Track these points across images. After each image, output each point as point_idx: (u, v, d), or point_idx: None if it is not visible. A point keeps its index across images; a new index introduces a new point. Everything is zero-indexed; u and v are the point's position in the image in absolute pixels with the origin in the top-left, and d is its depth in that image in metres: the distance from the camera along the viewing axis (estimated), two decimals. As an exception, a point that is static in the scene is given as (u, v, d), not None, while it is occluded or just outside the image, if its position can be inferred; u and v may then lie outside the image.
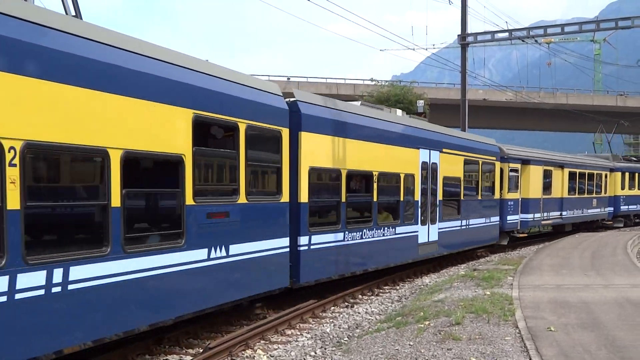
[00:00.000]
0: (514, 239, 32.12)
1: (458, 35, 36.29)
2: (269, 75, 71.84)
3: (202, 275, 11.63)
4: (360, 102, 20.43)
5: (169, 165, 10.94)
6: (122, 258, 9.71)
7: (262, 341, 12.91)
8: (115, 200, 9.55)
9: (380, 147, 18.62)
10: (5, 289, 7.88)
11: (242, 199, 12.79)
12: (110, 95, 9.53)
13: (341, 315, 15.72)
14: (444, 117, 69.82)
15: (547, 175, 33.89)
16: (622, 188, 44.20)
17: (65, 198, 9.32)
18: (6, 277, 7.88)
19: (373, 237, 18.28)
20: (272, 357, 11.80)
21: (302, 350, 12.20)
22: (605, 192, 42.63)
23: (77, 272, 8.94)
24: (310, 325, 14.74)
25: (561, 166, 35.87)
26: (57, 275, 8.63)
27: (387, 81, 60.72)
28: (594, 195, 40.62)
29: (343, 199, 16.68)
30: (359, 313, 15.97)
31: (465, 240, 25.25)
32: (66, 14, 10.00)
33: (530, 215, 31.73)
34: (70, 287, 8.84)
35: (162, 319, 10.76)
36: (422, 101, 38.70)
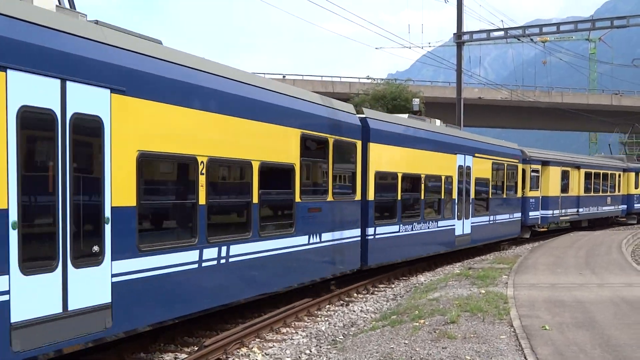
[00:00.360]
0: (535, 233, 35.34)
1: (454, 34, 36.29)
2: (264, 73, 71.80)
3: (304, 256, 15.22)
4: (407, 115, 23.52)
5: (286, 172, 14.48)
6: (258, 240, 13.27)
7: (257, 339, 12.91)
8: (255, 198, 13.11)
9: (426, 153, 22.00)
10: (197, 258, 11.52)
11: (330, 197, 16.32)
12: (254, 122, 13.10)
13: (336, 314, 15.72)
14: (439, 116, 69.81)
15: (565, 175, 37.05)
16: (636, 187, 47.14)
17: (228, 196, 12.89)
18: (197, 251, 11.51)
19: (421, 229, 21.62)
20: (267, 355, 11.79)
21: (297, 348, 12.20)
22: (619, 191, 45.52)
23: (234, 249, 12.54)
24: (306, 323, 14.74)
25: (578, 167, 38.95)
26: (224, 251, 12.27)
27: (382, 79, 60.78)
28: (609, 193, 43.68)
29: (399, 197, 20.10)
30: (354, 311, 15.98)
31: (492, 234, 28.50)
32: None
33: (549, 212, 34.97)
34: (231, 259, 12.48)
35: (285, 285, 14.76)
36: (417, 99, 38.78)
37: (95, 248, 9.37)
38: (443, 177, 23.04)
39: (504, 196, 29.50)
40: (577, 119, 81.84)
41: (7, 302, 8.07)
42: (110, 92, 9.58)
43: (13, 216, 8.14)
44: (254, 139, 13.11)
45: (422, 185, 21.55)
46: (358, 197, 17.74)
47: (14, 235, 8.13)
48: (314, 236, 15.60)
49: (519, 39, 39.12)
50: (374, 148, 18.53)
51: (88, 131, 9.30)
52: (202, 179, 11.52)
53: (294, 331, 13.89)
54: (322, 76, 79.34)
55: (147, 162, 10.40)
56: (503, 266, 21.42)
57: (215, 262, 12.01)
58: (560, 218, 37.32)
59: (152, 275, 10.43)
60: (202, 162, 11.49)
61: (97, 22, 10.00)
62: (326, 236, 16.14)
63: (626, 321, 12.12)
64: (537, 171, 33.58)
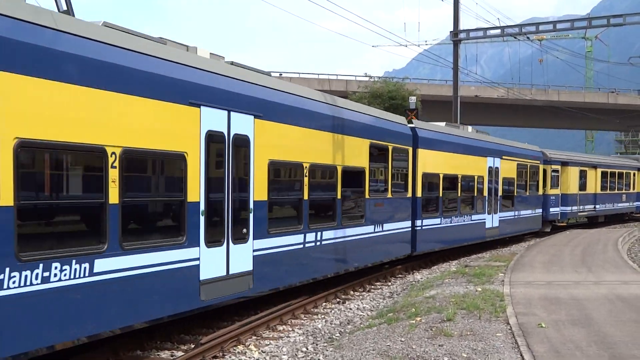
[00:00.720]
0: (555, 227, 38.55)
1: (450, 32, 36.30)
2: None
3: (372, 241, 18.81)
4: (445, 123, 26.59)
5: (359, 174, 17.97)
6: (341, 228, 16.97)
7: (254, 337, 12.91)
8: (339, 194, 16.82)
9: (462, 156, 25.30)
10: (302, 240, 15.07)
11: (389, 194, 19.95)
12: (339, 135, 16.84)
13: (333, 311, 15.74)
14: (436, 114, 69.73)
15: (582, 174, 40.32)
16: None
17: (322, 193, 16.25)
18: (302, 235, 15.05)
19: (457, 222, 25.01)
20: (263, 352, 11.80)
21: (293, 346, 12.21)
22: (633, 189, 48.99)
23: (325, 234, 16.17)
24: (302, 321, 14.75)
25: (595, 167, 42.23)
26: (319, 235, 15.89)
27: (379, 77, 60.75)
28: (624, 191, 47.23)
29: (440, 194, 23.55)
30: (350, 309, 16.00)
31: (517, 227, 31.89)
32: (58, 10, 10.00)
33: (568, 208, 38.50)
34: (323, 242, 16.06)
35: (358, 264, 18.46)
36: (414, 97, 38.69)
37: (244, 230, 12.90)
38: (475, 177, 26.41)
39: (527, 194, 32.66)
40: (573, 117, 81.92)
41: (198, 266, 11.59)
42: (254, 118, 13.09)
43: (202, 206, 11.59)
44: (339, 149, 16.81)
45: (459, 184, 24.95)
46: (409, 194, 21.33)
47: (202, 220, 11.62)
48: (378, 226, 19.21)
49: (515, 37, 39.12)
50: (421, 153, 22.02)
51: (242, 146, 12.85)
52: (306, 180, 15.17)
53: (290, 329, 13.90)
54: (318, 74, 79.26)
55: (273, 168, 13.90)
56: (499, 264, 21.46)
57: (313, 244, 15.65)
58: (579, 214, 40.69)
59: (276, 252, 14.01)
60: (306, 167, 15.16)
61: (232, 63, 13.56)
62: (387, 226, 19.76)
63: (622, 318, 12.16)
64: (557, 171, 36.82)
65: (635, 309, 13.16)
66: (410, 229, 21.38)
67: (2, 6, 8.22)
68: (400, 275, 21.71)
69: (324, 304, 16.65)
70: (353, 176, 17.58)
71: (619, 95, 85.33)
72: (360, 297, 17.89)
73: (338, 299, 17.30)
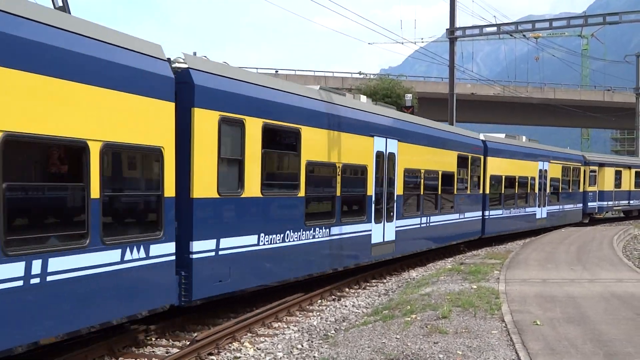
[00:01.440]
0: (593, 220, 45.49)
1: (446, 29, 36.31)
2: (257, 68, 71.57)
3: (458, 225, 25.36)
4: (505, 134, 31.97)
5: (451, 176, 24.54)
6: (440, 215, 23.39)
7: (249, 334, 12.90)
8: (439, 191, 23.48)
9: (518, 162, 31.46)
10: (419, 222, 21.73)
11: (468, 191, 26.39)
12: (439, 149, 23.58)
13: (328, 309, 15.73)
14: (432, 111, 69.66)
15: (617, 174, 46.74)
16: None
17: (428, 190, 22.49)
18: (419, 218, 21.74)
19: (515, 213, 31.37)
20: (258, 349, 11.79)
21: (288, 343, 12.20)
22: None
23: (432, 219, 22.84)
24: (297, 318, 14.74)
25: (629, 167, 48.92)
26: (428, 220, 22.50)
27: (375, 74, 60.71)
28: None
29: (502, 191, 29.93)
30: (346, 306, 15.99)
31: (562, 219, 38.12)
32: (54, 7, 9.95)
33: (605, 203, 44.99)
34: (431, 224, 22.80)
35: (450, 242, 25.27)
36: (410, 95, 38.71)
37: (392, 213, 19.74)
38: (529, 178, 32.59)
39: (570, 191, 39.18)
40: (569, 115, 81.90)
41: (370, 234, 18.55)
42: (397, 141, 20.03)
43: (373, 197, 18.56)
44: (440, 159, 23.62)
45: (516, 183, 31.15)
46: (481, 191, 27.83)
47: (372, 206, 18.43)
48: (462, 214, 25.64)
49: (511, 35, 39.14)
50: (489, 160, 28.41)
51: (391, 159, 19.74)
52: (422, 181, 22.01)
53: (285, 326, 13.89)
54: (314, 71, 79.28)
55: (406, 173, 20.78)
56: (495, 261, 21.47)
57: (425, 225, 22.60)
58: (614, 208, 47.28)
59: (406, 229, 20.90)
60: (422, 172, 21.98)
61: (376, 103, 20.88)
62: (467, 215, 26.18)
63: (617, 316, 12.17)
64: (594, 171, 43.45)
65: (630, 306, 13.17)
66: (480, 217, 27.90)
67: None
68: (395, 273, 21.72)
69: (320, 301, 16.65)
70: (447, 178, 24.21)
71: (614, 93, 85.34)
72: (356, 294, 17.89)
73: (333, 296, 17.30)
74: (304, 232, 15.34)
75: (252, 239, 13.47)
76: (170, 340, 12.28)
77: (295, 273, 15.34)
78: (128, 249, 10.20)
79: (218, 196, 12.41)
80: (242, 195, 13.13)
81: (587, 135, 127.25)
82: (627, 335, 10.70)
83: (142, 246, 10.48)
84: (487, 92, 75.47)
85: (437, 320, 11.95)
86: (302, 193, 15.15)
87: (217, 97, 12.34)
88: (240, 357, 11.37)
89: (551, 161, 35.51)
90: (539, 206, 33.91)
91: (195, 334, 12.13)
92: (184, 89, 11.58)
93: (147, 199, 10.91)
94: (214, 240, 12.35)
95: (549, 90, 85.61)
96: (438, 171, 23.26)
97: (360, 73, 69.58)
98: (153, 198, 10.89)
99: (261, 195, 13.64)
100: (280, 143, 14.88)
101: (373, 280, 20.10)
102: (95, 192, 9.47)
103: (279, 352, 11.52)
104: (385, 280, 20.29)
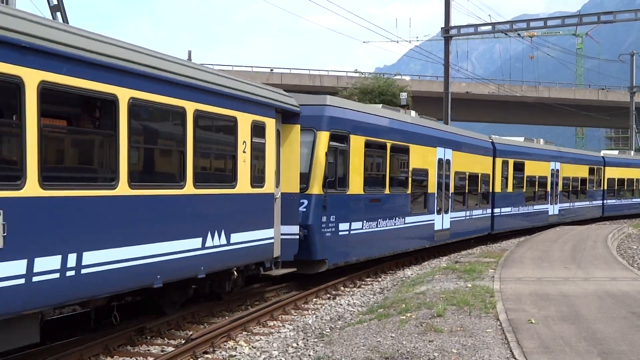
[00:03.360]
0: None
1: (442, 28, 36.39)
2: (252, 67, 71.59)
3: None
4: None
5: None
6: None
7: (244, 332, 12.91)
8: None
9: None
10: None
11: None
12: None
13: (323, 307, 15.74)
14: (427, 110, 69.79)
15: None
16: None
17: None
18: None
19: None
20: (254, 348, 11.80)
21: (284, 341, 12.21)
22: None
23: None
24: (293, 316, 14.75)
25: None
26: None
27: (370, 73, 60.68)
28: None
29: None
30: (341, 305, 16.00)
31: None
32: (49, 5, 9.96)
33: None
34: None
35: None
36: (405, 93, 38.67)
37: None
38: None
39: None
40: (563, 114, 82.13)
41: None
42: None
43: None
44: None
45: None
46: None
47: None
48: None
49: (506, 34, 39.26)
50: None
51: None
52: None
53: (281, 324, 13.90)
54: (309, 70, 79.26)
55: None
56: (489, 260, 21.49)
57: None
58: None
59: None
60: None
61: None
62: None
63: (611, 315, 12.21)
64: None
65: (624, 305, 13.21)
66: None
67: None
68: (390, 272, 21.74)
69: (315, 299, 16.66)
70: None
71: (609, 92, 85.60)
72: (351, 292, 17.91)
73: (328, 295, 17.31)
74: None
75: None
76: (166, 338, 12.28)
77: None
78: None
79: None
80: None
81: (581, 134, 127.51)
82: (621, 333, 10.74)
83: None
84: (482, 90, 75.60)
85: (432, 318, 11.97)
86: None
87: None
88: (235, 355, 11.38)
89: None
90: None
91: (191, 333, 12.14)
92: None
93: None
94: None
95: (544, 89, 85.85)
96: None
97: (356, 71, 69.57)
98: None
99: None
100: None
101: (368, 279, 20.12)
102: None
103: (275, 350, 11.53)
104: (380, 279, 20.31)
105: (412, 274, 20.72)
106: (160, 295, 12.39)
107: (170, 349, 11.47)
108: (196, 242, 12.14)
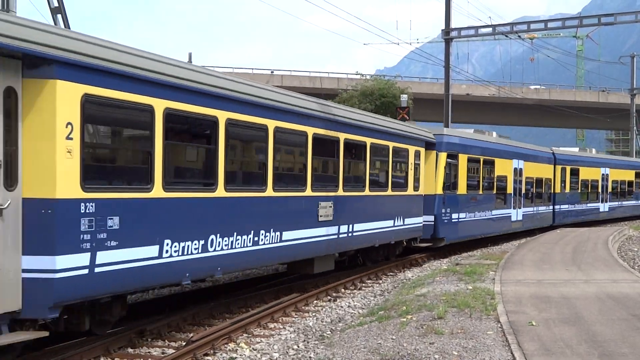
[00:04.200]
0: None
1: (442, 30, 36.39)
2: (252, 68, 71.63)
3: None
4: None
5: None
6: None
7: (245, 334, 12.90)
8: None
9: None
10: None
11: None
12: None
13: (324, 309, 15.74)
14: (427, 112, 69.95)
15: None
16: None
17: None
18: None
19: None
20: (254, 350, 11.79)
21: (284, 343, 12.21)
22: None
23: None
24: (293, 318, 14.74)
25: None
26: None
27: (371, 75, 60.72)
28: None
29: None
30: (341, 307, 16.00)
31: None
32: (49, 7, 10.07)
33: None
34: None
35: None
36: (405, 95, 38.76)
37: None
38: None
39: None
40: (564, 116, 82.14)
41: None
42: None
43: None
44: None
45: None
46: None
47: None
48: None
49: (506, 36, 39.28)
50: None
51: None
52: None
53: (281, 326, 13.90)
54: (310, 72, 79.27)
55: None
56: (490, 262, 21.49)
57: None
58: None
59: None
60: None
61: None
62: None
63: (611, 317, 12.20)
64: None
65: (625, 307, 13.21)
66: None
67: None
68: (391, 273, 21.74)
69: (315, 301, 16.66)
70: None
71: (609, 94, 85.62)
72: (352, 294, 17.90)
73: (329, 297, 17.31)
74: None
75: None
76: (166, 340, 12.27)
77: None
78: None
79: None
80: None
81: (582, 136, 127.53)
82: (622, 335, 10.73)
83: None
84: (482, 92, 75.59)
85: (433, 320, 11.96)
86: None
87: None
88: (236, 357, 11.38)
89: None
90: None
91: (191, 335, 12.13)
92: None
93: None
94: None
95: (544, 91, 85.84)
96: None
97: (357, 73, 69.61)
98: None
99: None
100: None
101: (369, 281, 20.12)
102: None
103: (275, 352, 11.53)
104: (380, 281, 20.31)
105: (412, 276, 20.71)
106: (368, 253, 21.31)
107: (171, 351, 11.47)
108: (390, 223, 20.80)
